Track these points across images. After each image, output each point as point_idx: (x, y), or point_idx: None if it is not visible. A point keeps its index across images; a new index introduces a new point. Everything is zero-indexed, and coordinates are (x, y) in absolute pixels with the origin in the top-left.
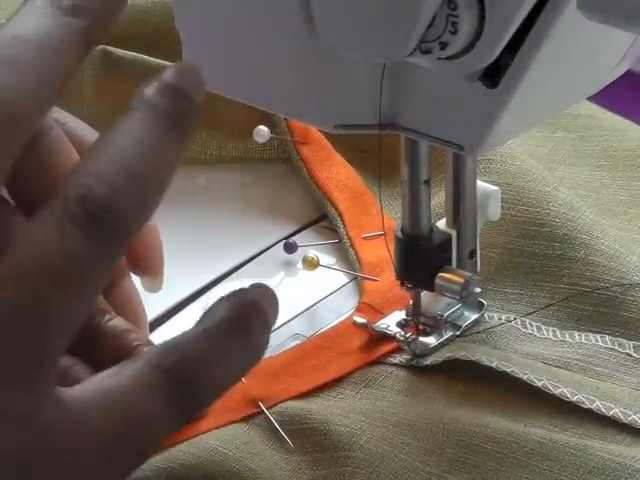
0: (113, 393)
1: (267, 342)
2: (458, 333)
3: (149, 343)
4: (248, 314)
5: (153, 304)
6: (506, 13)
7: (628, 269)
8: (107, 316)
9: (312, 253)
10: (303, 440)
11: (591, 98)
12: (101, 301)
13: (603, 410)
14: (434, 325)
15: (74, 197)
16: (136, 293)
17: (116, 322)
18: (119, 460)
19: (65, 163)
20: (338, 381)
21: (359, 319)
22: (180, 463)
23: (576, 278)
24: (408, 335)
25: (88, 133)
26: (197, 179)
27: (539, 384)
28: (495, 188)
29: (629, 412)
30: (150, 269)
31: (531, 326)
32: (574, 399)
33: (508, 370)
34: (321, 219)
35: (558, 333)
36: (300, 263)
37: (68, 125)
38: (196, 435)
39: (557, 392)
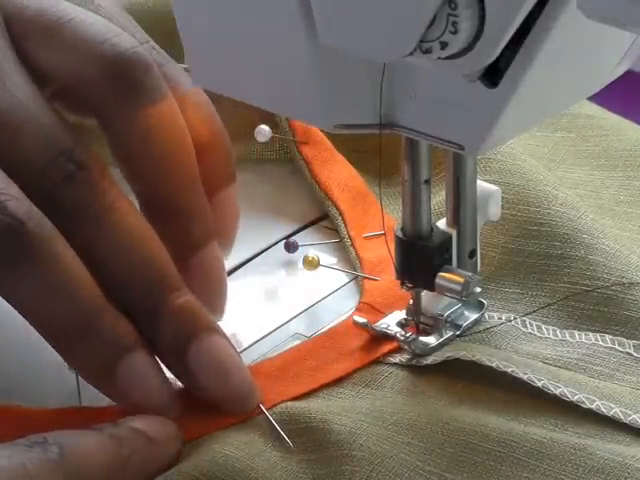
0: None
1: None
2: (458, 333)
3: (215, 329)
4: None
5: None
6: (506, 13)
7: (628, 268)
8: (175, 293)
9: (313, 253)
10: (303, 439)
11: (591, 98)
12: (176, 278)
13: (603, 410)
14: (434, 325)
15: None
16: (218, 264)
17: (188, 299)
18: None
19: None
20: (338, 381)
21: (359, 319)
22: (181, 464)
23: (576, 277)
24: (408, 335)
25: (183, 81)
26: None
27: (539, 384)
28: (495, 188)
29: (629, 412)
30: (221, 239)
31: (531, 325)
32: (574, 399)
33: (508, 370)
34: (322, 219)
35: (558, 332)
36: (301, 263)
37: (166, 67)
38: (197, 436)
39: (557, 392)
